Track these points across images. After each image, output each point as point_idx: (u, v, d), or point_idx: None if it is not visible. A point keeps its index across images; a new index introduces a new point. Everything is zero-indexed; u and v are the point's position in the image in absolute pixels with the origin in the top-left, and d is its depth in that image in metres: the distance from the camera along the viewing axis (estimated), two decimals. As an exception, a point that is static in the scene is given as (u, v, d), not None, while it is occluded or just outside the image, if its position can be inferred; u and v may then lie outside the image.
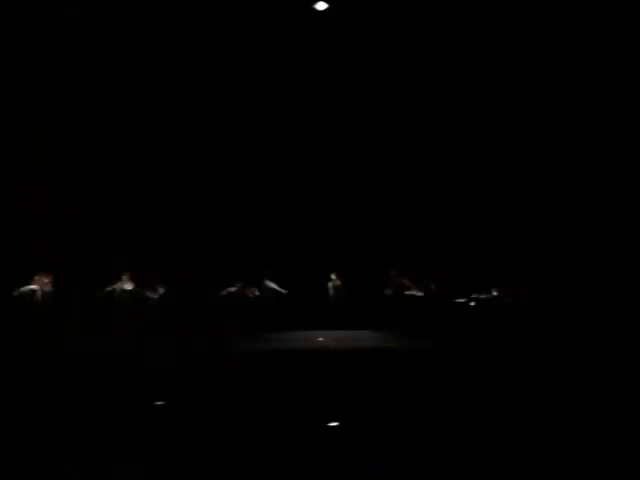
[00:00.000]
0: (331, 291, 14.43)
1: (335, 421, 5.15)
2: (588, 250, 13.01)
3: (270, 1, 13.89)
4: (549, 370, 7.98)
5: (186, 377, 7.70)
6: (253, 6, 13.80)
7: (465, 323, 12.07)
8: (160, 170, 14.34)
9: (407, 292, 13.36)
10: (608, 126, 13.37)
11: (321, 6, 13.83)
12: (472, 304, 12.37)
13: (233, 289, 13.55)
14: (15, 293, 11.38)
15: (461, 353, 9.76)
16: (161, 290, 12.91)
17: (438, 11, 13.79)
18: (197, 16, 13.84)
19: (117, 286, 12.49)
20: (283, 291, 14.15)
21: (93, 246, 13.56)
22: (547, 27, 13.46)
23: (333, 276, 14.49)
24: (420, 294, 13.16)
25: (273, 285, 14.21)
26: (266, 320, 13.67)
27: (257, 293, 13.94)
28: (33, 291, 11.51)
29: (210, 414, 5.58)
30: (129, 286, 12.51)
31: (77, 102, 13.87)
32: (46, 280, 11.70)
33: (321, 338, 12.13)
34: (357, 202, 14.84)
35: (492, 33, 13.71)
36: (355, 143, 14.85)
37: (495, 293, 12.16)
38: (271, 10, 13.88)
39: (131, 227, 13.88)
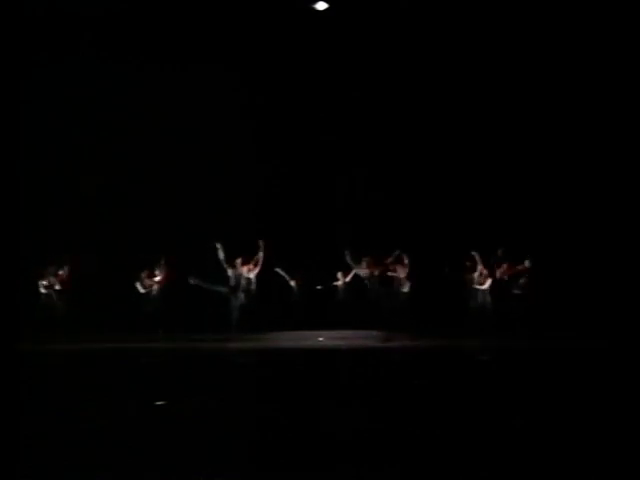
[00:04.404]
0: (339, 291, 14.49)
1: (332, 424, 5.16)
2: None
3: (270, 1, 13.89)
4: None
5: (187, 377, 7.72)
6: (253, 6, 13.80)
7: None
8: (166, 170, 14.33)
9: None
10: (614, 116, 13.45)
11: (321, 6, 13.83)
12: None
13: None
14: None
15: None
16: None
17: (438, 10, 13.78)
18: (197, 16, 13.84)
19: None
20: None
21: (94, 246, 13.60)
22: (547, 26, 13.48)
23: (339, 275, 14.49)
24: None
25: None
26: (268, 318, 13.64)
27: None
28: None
29: (210, 414, 5.59)
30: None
31: (78, 102, 13.90)
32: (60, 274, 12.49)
33: (321, 338, 12.14)
34: (359, 202, 14.84)
35: (492, 32, 13.71)
36: (354, 143, 14.82)
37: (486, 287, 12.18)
38: (271, 10, 13.88)
39: (139, 225, 13.90)
